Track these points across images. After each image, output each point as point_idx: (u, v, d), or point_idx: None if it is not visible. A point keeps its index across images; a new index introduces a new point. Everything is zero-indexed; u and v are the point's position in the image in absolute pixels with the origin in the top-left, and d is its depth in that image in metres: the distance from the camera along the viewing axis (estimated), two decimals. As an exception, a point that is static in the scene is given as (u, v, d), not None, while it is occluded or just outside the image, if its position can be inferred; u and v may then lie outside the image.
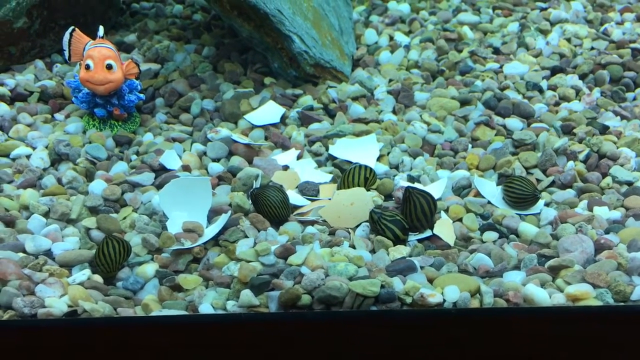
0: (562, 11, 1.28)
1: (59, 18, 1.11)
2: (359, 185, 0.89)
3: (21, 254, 0.81)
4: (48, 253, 0.83)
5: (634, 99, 1.09)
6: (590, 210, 0.88)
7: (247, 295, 0.75)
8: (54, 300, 0.76)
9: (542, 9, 1.28)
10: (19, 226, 0.86)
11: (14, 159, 0.95)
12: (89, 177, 0.92)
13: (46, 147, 0.97)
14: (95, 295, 0.77)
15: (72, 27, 1.03)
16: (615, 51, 1.20)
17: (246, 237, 0.83)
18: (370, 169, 0.91)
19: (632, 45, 1.18)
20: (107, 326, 0.75)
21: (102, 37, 1.01)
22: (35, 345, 0.76)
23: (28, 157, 0.95)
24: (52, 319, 0.76)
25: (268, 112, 1.02)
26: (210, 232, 0.83)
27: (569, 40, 1.22)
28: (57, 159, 0.95)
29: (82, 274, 0.79)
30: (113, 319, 0.77)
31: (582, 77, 1.10)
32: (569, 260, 0.80)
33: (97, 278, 0.79)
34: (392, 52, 1.15)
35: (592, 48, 1.20)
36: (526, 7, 1.29)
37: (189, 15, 1.29)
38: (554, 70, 1.11)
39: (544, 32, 1.24)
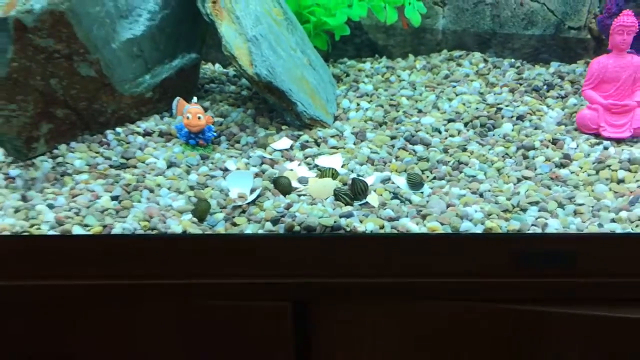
0: (465, 88, 1.73)
1: (168, 93, 1.55)
2: (329, 178, 1.34)
3: (158, 205, 1.26)
4: (170, 206, 1.25)
5: (493, 135, 1.50)
6: (450, 189, 1.32)
7: (268, 225, 1.21)
8: (175, 226, 1.19)
9: (454, 87, 1.74)
10: (156, 192, 1.30)
11: (148, 164, 1.39)
12: (188, 173, 1.37)
13: (164, 159, 1.39)
14: (195, 226, 1.21)
15: (178, 98, 1.46)
16: (487, 108, 1.59)
17: (268, 199, 1.27)
18: (335, 170, 1.34)
19: (498, 106, 1.61)
20: (199, 238, 1.19)
21: (195, 102, 1.43)
22: (167, 247, 1.19)
23: (155, 163, 1.39)
24: (175, 233, 1.19)
25: (283, 143, 1.45)
26: (251, 198, 1.27)
27: (464, 104, 1.62)
28: (170, 164, 1.39)
29: (187, 216, 1.23)
30: (202, 234, 1.20)
31: (465, 124, 1.54)
32: (432, 211, 1.23)
33: (194, 219, 1.22)
34: (357, 111, 1.60)
35: (476, 108, 1.60)
36: (444, 86, 1.75)
37: (239, 92, 1.71)
38: (450, 121, 1.55)
39: (451, 100, 1.64)
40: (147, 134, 1.50)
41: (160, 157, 1.42)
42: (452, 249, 1.18)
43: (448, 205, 1.27)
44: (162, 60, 1.54)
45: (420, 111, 1.61)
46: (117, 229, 1.21)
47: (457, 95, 1.68)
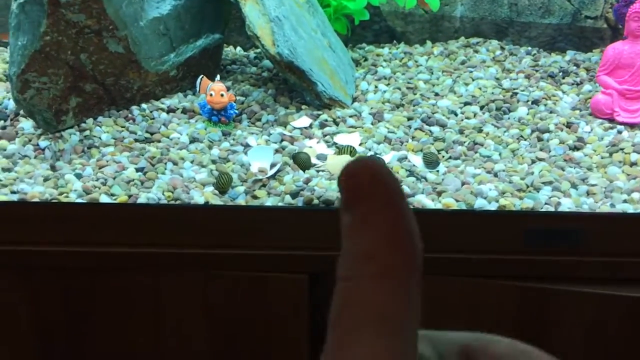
0: (482, 73, 1.76)
1: (192, 71, 1.58)
2: (346, 154, 1.36)
3: (181, 177, 1.30)
4: (192, 178, 1.30)
5: (508, 118, 1.52)
6: (465, 169, 1.36)
7: (288, 198, 1.25)
8: (198, 197, 1.24)
9: (470, 72, 1.78)
10: (179, 165, 1.34)
11: (171, 139, 1.42)
12: (210, 148, 1.39)
13: (187, 135, 1.42)
14: (216, 198, 1.27)
15: (202, 75, 1.49)
16: (503, 93, 1.61)
17: (288, 174, 1.31)
18: (353, 147, 1.36)
19: (514, 90, 1.65)
20: (221, 208, 1.27)
21: (218, 80, 1.47)
22: (191, 216, 1.28)
23: (179, 138, 1.42)
24: (198, 204, 1.25)
25: (303, 121, 1.49)
26: (271, 172, 1.30)
27: (480, 88, 1.63)
28: (193, 140, 1.41)
29: (209, 188, 1.28)
30: (224, 205, 1.27)
31: (481, 107, 1.56)
32: (447, 188, 1.27)
33: (216, 192, 1.26)
34: (374, 94, 1.63)
35: (492, 93, 1.62)
36: (461, 71, 1.78)
37: (259, 73, 1.78)
38: (466, 104, 1.56)
39: (467, 84, 1.66)
40: (170, 110, 1.53)
41: (183, 133, 1.46)
42: (467, 226, 1.22)
43: (463, 184, 1.30)
44: (187, 40, 1.57)
45: (437, 94, 1.63)
46: (142, 198, 1.26)
47: (473, 80, 1.70)
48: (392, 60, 1.90)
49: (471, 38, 2.01)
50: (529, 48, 1.97)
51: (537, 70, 1.83)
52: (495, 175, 1.34)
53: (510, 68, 1.84)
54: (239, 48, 2.01)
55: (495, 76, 1.71)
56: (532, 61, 1.90)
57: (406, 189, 1.27)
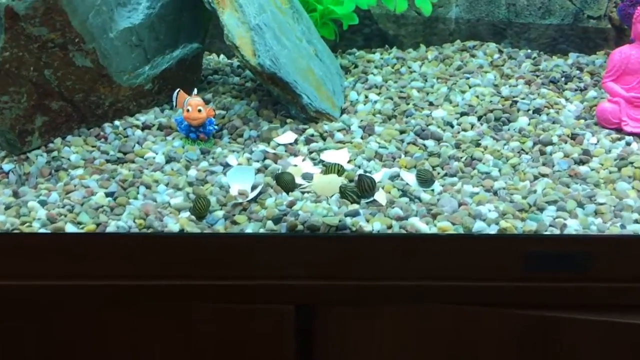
0: (479, 80, 1.67)
1: (168, 84, 1.51)
2: (334, 174, 1.29)
3: (154, 202, 1.23)
4: (167, 203, 1.23)
5: (508, 129, 1.45)
6: (462, 187, 1.27)
7: (270, 224, 1.17)
8: (172, 224, 1.17)
9: (467, 78, 1.68)
10: (153, 189, 1.26)
11: (146, 159, 1.36)
12: (187, 168, 1.33)
13: (163, 154, 1.36)
14: (192, 224, 1.18)
15: (178, 89, 1.42)
16: (502, 101, 1.53)
17: (271, 197, 1.23)
18: (341, 165, 1.30)
19: (513, 99, 1.55)
20: (198, 237, 1.17)
21: (195, 94, 1.40)
22: (163, 246, 1.17)
23: (154, 158, 1.36)
24: (172, 232, 1.17)
25: (287, 137, 1.42)
26: (252, 195, 1.23)
27: (477, 97, 1.55)
28: (169, 159, 1.35)
29: (185, 214, 1.20)
30: (201, 233, 1.17)
31: (479, 118, 1.48)
32: (442, 210, 1.19)
33: (193, 217, 1.19)
34: (365, 104, 1.54)
35: (490, 101, 1.53)
36: (457, 78, 1.69)
37: (243, 83, 1.67)
38: (462, 114, 1.49)
39: (464, 92, 1.57)
40: (146, 127, 1.47)
41: (159, 152, 1.39)
42: (464, 251, 1.15)
43: (460, 204, 1.23)
44: (162, 51, 1.51)
45: (431, 104, 1.55)
46: (112, 227, 1.19)
47: (470, 87, 1.62)
48: (384, 66, 1.81)
49: (467, 41, 1.92)
50: (529, 51, 1.88)
51: (537, 76, 1.74)
52: (495, 193, 1.27)
53: (509, 73, 1.75)
54: (222, 56, 1.92)
55: (493, 82, 1.65)
56: (532, 65, 1.80)
57: (398, 212, 1.19)
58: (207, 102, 1.57)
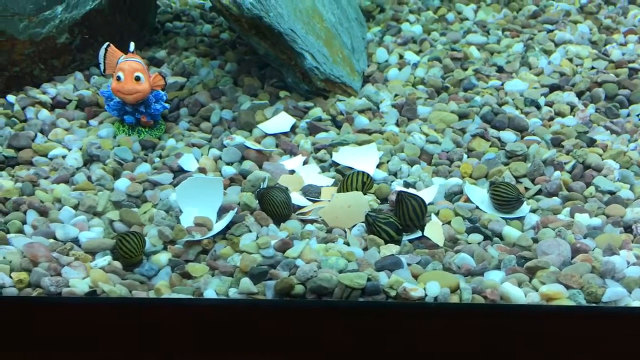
0: (568, 33, 1.32)
1: (97, 35, 1.21)
2: (356, 190, 0.96)
3: (51, 240, 0.92)
4: (75, 240, 0.93)
5: (627, 115, 1.11)
6: (572, 216, 0.94)
7: (246, 283, 0.83)
8: (77, 281, 0.85)
9: (549, 31, 1.33)
10: (51, 216, 0.96)
11: (51, 159, 1.05)
12: (116, 175, 1.02)
13: (80, 149, 1.07)
14: (114, 278, 0.86)
15: (107, 43, 1.12)
16: (613, 70, 1.21)
17: (250, 231, 0.91)
18: (368, 174, 0.98)
19: (630, 65, 1.23)
20: (122, 305, 0.84)
21: (133, 52, 1.11)
22: (58, 319, 0.85)
23: (64, 157, 1.05)
24: (74, 297, 0.85)
25: (280, 122, 1.11)
26: (218, 226, 0.92)
27: (570, 60, 1.27)
28: (89, 159, 1.05)
29: (104, 260, 0.89)
30: (127, 298, 0.86)
31: (579, 94, 1.15)
32: (545, 261, 0.86)
33: (117, 264, 0.88)
34: (400, 69, 1.23)
35: (592, 67, 1.24)
36: (534, 29, 1.34)
37: (216, 34, 1.38)
38: (552, 88, 1.17)
39: (548, 53, 1.29)
40: (57, 104, 1.15)
41: (73, 146, 1.08)
42: (587, 334, 0.83)
43: (575, 250, 0.88)
44: None
45: (500, 69, 1.23)
46: None
47: (556, 45, 1.27)
48: (422, 11, 1.41)
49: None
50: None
51: (655, 29, 1.36)
52: (630, 229, 0.92)
53: (609, 25, 1.33)
54: (191, -7, 1.58)
55: (589, 38, 1.29)
56: (643, 13, 1.43)
57: (467, 260, 0.87)
58: (157, 64, 1.23)
